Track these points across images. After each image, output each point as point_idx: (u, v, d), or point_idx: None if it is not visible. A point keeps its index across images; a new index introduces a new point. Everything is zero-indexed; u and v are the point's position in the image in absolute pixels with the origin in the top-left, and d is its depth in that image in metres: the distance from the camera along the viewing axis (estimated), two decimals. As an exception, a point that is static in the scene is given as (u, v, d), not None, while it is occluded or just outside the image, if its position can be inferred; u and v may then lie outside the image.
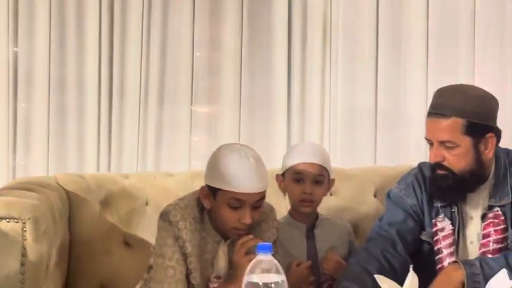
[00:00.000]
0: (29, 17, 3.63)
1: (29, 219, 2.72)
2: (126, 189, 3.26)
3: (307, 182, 2.78)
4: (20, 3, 3.62)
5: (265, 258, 1.98)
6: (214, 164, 2.52)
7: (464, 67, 3.71)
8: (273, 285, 1.94)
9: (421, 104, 3.70)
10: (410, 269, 2.15)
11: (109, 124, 3.66)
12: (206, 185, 2.54)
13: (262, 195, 2.51)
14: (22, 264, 2.71)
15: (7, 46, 3.63)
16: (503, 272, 2.11)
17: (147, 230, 3.14)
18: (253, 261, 2.00)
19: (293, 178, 2.79)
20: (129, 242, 3.23)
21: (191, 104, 3.69)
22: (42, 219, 2.77)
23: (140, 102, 3.66)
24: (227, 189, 2.46)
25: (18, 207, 2.74)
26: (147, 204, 3.26)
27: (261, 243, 2.02)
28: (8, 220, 2.71)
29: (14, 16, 3.62)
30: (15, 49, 3.65)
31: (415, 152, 3.66)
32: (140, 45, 3.65)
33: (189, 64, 3.68)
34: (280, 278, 1.97)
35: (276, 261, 1.99)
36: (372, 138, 3.74)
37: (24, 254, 2.71)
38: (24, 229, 2.71)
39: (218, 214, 2.52)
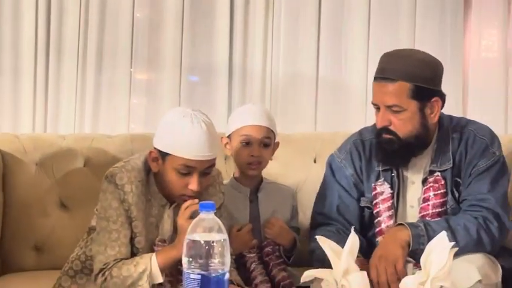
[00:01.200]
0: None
1: (-38, 178, 2.70)
2: (63, 150, 3.22)
3: (255, 144, 2.78)
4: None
5: (207, 216, 1.99)
6: (165, 127, 2.50)
7: (405, 36, 3.74)
8: (214, 243, 1.95)
9: (361, 70, 3.73)
10: (352, 229, 2.18)
11: (45, 83, 3.58)
12: (155, 148, 2.51)
13: (212, 163, 2.51)
14: (-46, 225, 2.69)
15: None
16: (443, 234, 2.15)
17: (85, 192, 3.12)
18: (195, 220, 2.00)
19: (240, 141, 2.79)
20: (66, 204, 3.20)
21: (131, 66, 3.64)
22: (-26, 180, 2.75)
23: (78, 62, 3.59)
24: (177, 155, 2.45)
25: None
26: (84, 165, 3.23)
27: (204, 202, 2.02)
28: None
29: None
30: None
31: (355, 119, 3.68)
32: (79, 2, 3.57)
33: (129, 25, 3.62)
34: (223, 236, 1.98)
35: (218, 219, 2.00)
36: (312, 103, 3.74)
37: (-44, 215, 2.69)
38: (-43, 190, 2.69)
39: (165, 179, 2.51)
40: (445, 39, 3.74)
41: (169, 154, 2.46)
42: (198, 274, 1.95)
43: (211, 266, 1.95)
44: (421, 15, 3.73)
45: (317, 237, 2.21)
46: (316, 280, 2.26)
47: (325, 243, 2.16)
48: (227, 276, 1.98)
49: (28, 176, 3.16)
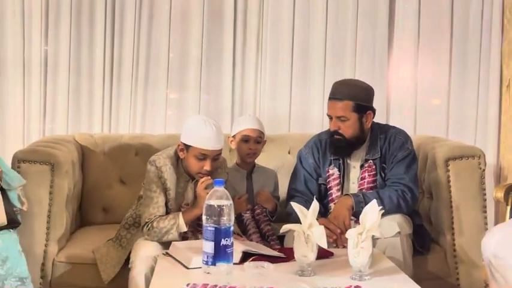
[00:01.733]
0: (56, 23, 3.51)
1: (56, 163, 2.69)
2: (122, 144, 3.22)
3: (251, 141, 2.78)
4: (50, 19, 3.50)
5: (219, 189, 2.01)
6: (188, 128, 2.52)
7: (349, 71, 3.68)
8: (224, 207, 1.96)
9: (320, 94, 3.65)
10: (314, 198, 2.19)
11: (110, 99, 3.55)
12: (181, 142, 2.52)
13: (219, 152, 2.52)
14: (50, 193, 2.70)
15: (40, 45, 3.52)
16: (374, 202, 2.15)
17: (136, 172, 3.11)
18: (211, 191, 2.01)
19: (242, 139, 2.78)
20: (124, 180, 3.21)
21: (167, 89, 3.60)
22: (64, 164, 2.76)
23: (132, 85, 3.56)
24: (197, 146, 2.46)
25: (49, 155, 2.72)
26: (136, 155, 3.22)
27: (217, 179, 2.03)
28: (41, 163, 2.67)
29: (45, 21, 3.49)
30: (46, 47, 3.52)
31: (315, 125, 3.65)
32: (132, 47, 3.56)
33: (166, 61, 3.58)
34: (229, 202, 1.99)
35: (226, 191, 2.01)
36: (286, 113, 3.67)
37: (52, 186, 2.71)
38: (52, 169, 2.69)
39: (188, 162, 2.51)
40: (376, 72, 3.71)
41: (191, 146, 2.47)
42: (213, 227, 1.96)
43: (221, 221, 1.96)
44: (359, 57, 3.70)
45: (291, 203, 2.21)
46: (290, 231, 2.27)
47: (296, 206, 2.16)
48: (232, 228, 1.99)
49: (99, 161, 3.17)
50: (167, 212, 2.53)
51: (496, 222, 3.49)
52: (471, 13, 3.73)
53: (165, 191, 2.51)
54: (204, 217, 1.98)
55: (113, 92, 3.56)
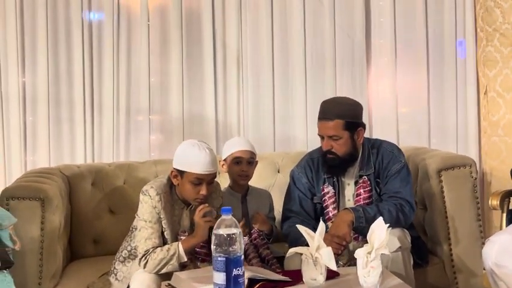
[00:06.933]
0: (33, 53, 3.42)
1: (46, 198, 2.59)
2: (108, 174, 3.12)
3: (244, 163, 2.71)
4: (26, 49, 3.41)
5: (227, 217, 1.93)
6: (181, 153, 2.44)
7: (330, 84, 3.69)
8: (233, 235, 1.90)
9: (302, 108, 3.64)
10: (321, 220, 2.14)
11: (92, 128, 3.47)
12: (174, 168, 2.44)
13: (215, 175, 2.45)
14: (42, 229, 2.60)
15: (17, 77, 3.40)
16: (380, 219, 2.11)
17: (125, 202, 3.03)
18: (219, 220, 1.94)
19: (233, 161, 2.71)
20: (113, 210, 3.10)
21: (149, 114, 3.53)
22: (54, 198, 2.66)
23: (113, 113, 3.48)
24: (191, 171, 2.39)
25: (38, 190, 2.62)
26: (124, 183, 3.12)
27: (224, 207, 1.96)
28: (30, 199, 2.57)
29: (21, 52, 3.40)
30: (23, 79, 3.42)
31: (299, 143, 3.63)
32: (112, 73, 3.47)
33: (147, 86, 3.52)
34: (238, 230, 1.92)
35: (234, 219, 1.94)
36: (271, 130, 3.65)
37: (43, 222, 2.61)
38: (43, 205, 2.59)
39: (184, 189, 2.44)
40: (356, 86, 3.70)
41: (186, 171, 2.40)
42: (223, 257, 1.88)
43: (231, 250, 1.89)
44: (339, 73, 3.69)
45: (298, 226, 2.15)
46: (294, 254, 2.22)
47: (302, 229, 2.12)
48: (242, 257, 1.92)
49: (86, 192, 3.05)
50: (164, 242, 2.45)
51: (487, 230, 3.50)
52: (445, 23, 3.78)
53: (160, 220, 2.43)
54: (213, 247, 1.90)
55: (94, 120, 3.47)
